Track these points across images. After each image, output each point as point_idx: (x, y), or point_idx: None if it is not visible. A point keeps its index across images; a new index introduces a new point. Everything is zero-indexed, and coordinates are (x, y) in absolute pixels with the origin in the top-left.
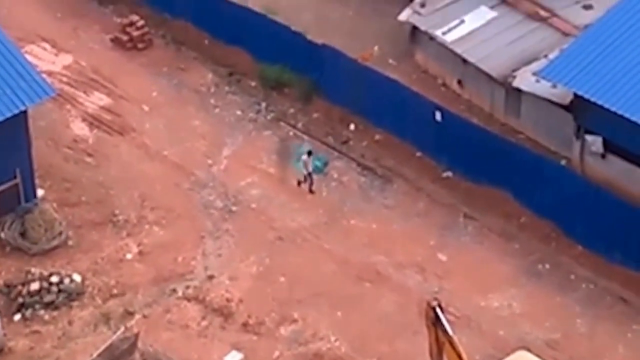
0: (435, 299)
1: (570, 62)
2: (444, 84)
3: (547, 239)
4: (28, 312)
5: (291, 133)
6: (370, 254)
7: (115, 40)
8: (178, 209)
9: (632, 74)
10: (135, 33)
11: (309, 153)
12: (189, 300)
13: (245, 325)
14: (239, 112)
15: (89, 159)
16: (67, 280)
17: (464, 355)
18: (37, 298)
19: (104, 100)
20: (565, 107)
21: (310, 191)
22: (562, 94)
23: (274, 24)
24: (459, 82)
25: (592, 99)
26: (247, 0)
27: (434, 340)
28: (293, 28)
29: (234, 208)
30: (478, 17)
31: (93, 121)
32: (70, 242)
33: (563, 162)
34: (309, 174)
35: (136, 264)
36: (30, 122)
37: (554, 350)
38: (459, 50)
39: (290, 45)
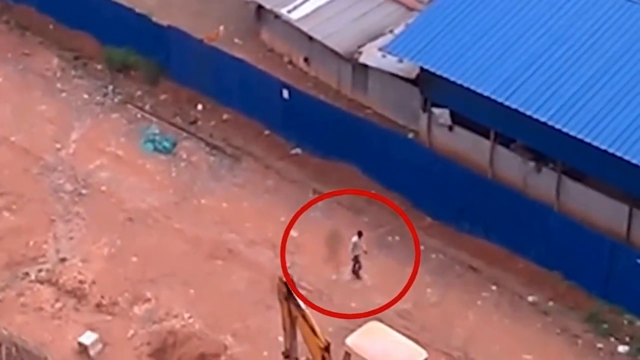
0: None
1: (416, 36)
2: (290, 62)
3: (396, 212)
4: None
5: (139, 115)
6: (222, 232)
7: None
8: (28, 194)
9: (477, 47)
10: None
11: (360, 234)
12: (42, 283)
13: (99, 306)
14: (85, 96)
15: None
16: None
17: (316, 329)
18: None
19: None
20: (412, 81)
21: (356, 274)
22: (408, 68)
23: (119, 7)
24: (306, 59)
25: (438, 73)
26: None
27: (287, 314)
28: (138, 10)
29: (83, 191)
30: None
31: None
32: None
33: (411, 135)
34: (356, 257)
35: None
36: None
37: (405, 320)
38: (304, 28)
39: (136, 28)
